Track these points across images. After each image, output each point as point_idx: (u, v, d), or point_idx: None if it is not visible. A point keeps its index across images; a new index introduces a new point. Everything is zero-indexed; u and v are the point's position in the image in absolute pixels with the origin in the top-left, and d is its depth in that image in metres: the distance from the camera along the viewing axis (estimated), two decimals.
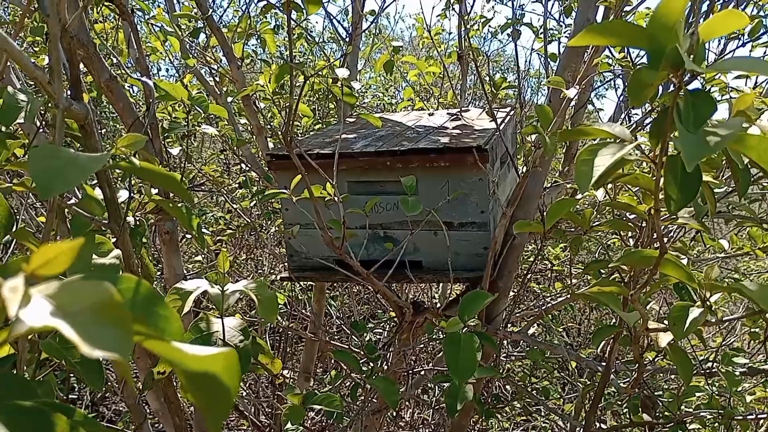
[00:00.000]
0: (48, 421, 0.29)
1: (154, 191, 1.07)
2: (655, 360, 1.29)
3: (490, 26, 2.49)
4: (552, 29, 2.40)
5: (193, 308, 1.13)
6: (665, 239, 1.43)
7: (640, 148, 0.58)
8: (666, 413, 1.19)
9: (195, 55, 1.82)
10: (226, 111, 1.28)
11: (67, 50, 0.65)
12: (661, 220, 0.63)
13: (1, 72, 0.85)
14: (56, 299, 0.23)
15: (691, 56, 0.53)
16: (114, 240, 0.72)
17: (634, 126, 1.71)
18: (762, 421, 1.29)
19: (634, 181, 0.64)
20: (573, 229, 1.51)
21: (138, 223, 1.03)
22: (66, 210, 0.87)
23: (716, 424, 1.18)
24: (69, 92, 0.66)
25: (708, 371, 1.19)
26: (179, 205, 1.06)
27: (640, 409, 1.26)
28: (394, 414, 3.41)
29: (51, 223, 0.48)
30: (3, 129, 0.94)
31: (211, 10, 1.61)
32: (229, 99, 1.54)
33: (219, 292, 0.86)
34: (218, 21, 1.98)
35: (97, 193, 0.75)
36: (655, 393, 1.65)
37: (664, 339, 0.81)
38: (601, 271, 1.13)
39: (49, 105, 0.96)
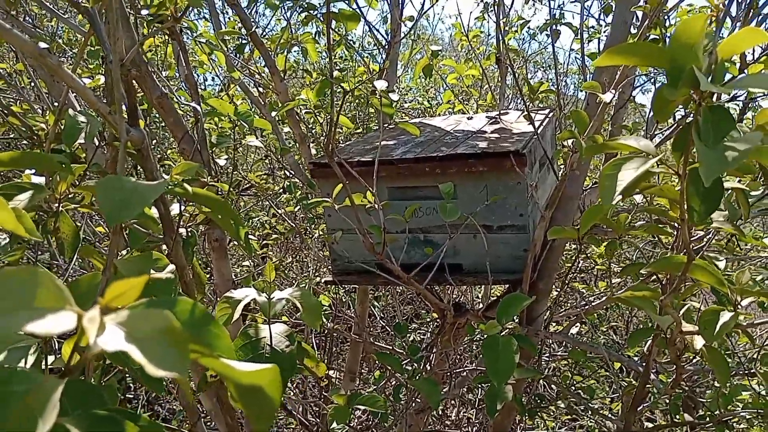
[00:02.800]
0: (120, 428, 0.34)
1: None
2: (695, 360, 1.28)
3: (529, 27, 2.49)
4: (592, 27, 2.38)
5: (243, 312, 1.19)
6: (703, 241, 1.42)
7: (663, 162, 0.60)
8: (708, 413, 1.18)
9: (239, 68, 1.89)
10: (269, 124, 1.33)
11: (124, 80, 0.71)
12: (696, 225, 0.65)
13: (63, 101, 0.92)
14: (126, 326, 0.28)
15: (711, 75, 0.55)
16: (168, 253, 0.78)
17: (668, 134, 1.69)
18: None
19: (660, 192, 0.66)
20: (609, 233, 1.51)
21: (189, 234, 1.09)
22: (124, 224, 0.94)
23: (759, 424, 1.17)
24: (126, 120, 0.72)
25: (747, 372, 1.18)
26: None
27: (681, 409, 1.26)
28: (440, 413, 3.44)
29: (115, 245, 0.54)
30: (67, 150, 1.02)
31: (255, 26, 1.68)
32: (273, 113, 1.60)
33: (266, 300, 0.91)
34: (262, 33, 2.04)
35: (153, 210, 0.82)
36: (703, 391, 1.63)
37: (699, 341, 0.82)
38: (642, 272, 1.14)
39: (106, 125, 1.03)
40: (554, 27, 2.24)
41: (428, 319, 3.00)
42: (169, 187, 0.57)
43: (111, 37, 0.71)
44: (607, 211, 0.89)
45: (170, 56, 2.31)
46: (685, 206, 0.58)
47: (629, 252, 3.40)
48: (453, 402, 3.38)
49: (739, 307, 0.74)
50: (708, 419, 1.19)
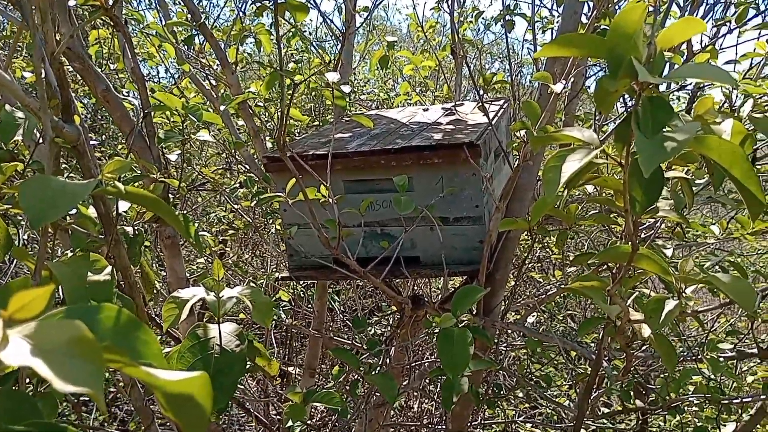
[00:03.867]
0: None
1: None
2: (645, 347, 1.31)
3: (483, 18, 2.50)
4: (545, 18, 2.40)
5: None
6: (653, 230, 1.45)
7: (607, 153, 0.60)
8: (657, 399, 1.21)
9: (190, 60, 1.84)
10: (219, 118, 1.30)
11: (56, 74, 0.68)
12: (638, 215, 0.66)
13: None
14: (33, 339, 0.26)
15: (650, 65, 0.55)
16: (107, 254, 0.75)
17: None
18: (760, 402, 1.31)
19: (604, 183, 0.66)
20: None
21: (136, 232, 1.06)
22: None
23: (708, 408, 1.20)
24: (60, 115, 0.69)
25: (695, 357, 1.21)
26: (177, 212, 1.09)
27: (633, 395, 1.29)
28: (403, 405, 3.45)
29: (44, 248, 0.51)
30: (3, 147, 0.97)
31: (204, 16, 1.64)
32: (222, 107, 1.57)
33: (215, 299, 0.89)
34: (212, 24, 2.00)
35: (91, 210, 0.79)
36: (658, 377, 1.67)
37: (647, 329, 0.83)
38: (593, 262, 1.15)
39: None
40: (508, 17, 2.25)
41: (389, 312, 3.00)
42: (100, 186, 0.55)
43: (43, 27, 0.67)
44: (557, 202, 0.89)
45: (118, 49, 2.24)
46: (628, 196, 0.59)
47: (586, 241, 3.46)
48: (415, 394, 3.40)
49: (683, 294, 0.75)
50: (659, 405, 1.22)
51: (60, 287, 0.64)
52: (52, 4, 0.82)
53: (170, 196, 1.60)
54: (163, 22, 1.95)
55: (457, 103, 2.06)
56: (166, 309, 0.86)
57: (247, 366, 0.91)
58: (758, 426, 1.73)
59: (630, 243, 0.75)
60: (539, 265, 3.38)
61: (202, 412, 0.35)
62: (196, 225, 2.96)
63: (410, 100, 2.71)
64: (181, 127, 1.26)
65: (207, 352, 0.84)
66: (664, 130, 0.53)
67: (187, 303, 0.86)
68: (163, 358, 0.37)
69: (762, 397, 1.11)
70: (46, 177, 0.48)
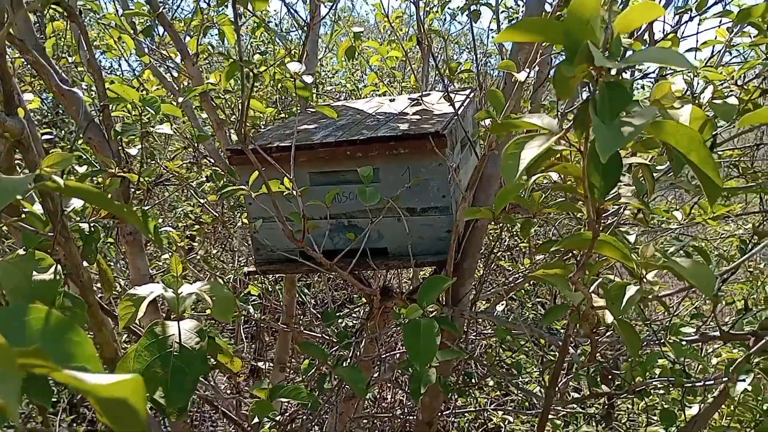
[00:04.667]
0: None
1: (108, 196, 1.06)
2: (610, 333, 1.32)
3: (449, 7, 2.49)
4: (510, 8, 2.40)
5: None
6: (617, 216, 1.46)
7: (566, 139, 0.60)
8: (623, 383, 1.23)
9: (150, 52, 1.79)
10: (179, 111, 1.27)
11: None
12: (597, 202, 0.65)
13: None
14: None
15: (607, 50, 0.54)
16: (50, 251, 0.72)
17: None
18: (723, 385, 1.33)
19: (564, 170, 0.65)
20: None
21: (92, 229, 1.03)
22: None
23: (675, 391, 1.22)
24: (3, 108, 0.66)
25: (659, 341, 1.22)
26: (135, 208, 1.06)
27: (599, 380, 1.30)
28: (377, 396, 3.45)
29: None
30: None
31: (162, 7, 1.59)
32: (180, 99, 1.53)
33: (173, 295, 0.87)
34: (173, 14, 1.95)
35: (37, 206, 0.75)
36: (627, 360, 1.69)
37: (610, 315, 0.83)
38: (557, 249, 1.15)
39: None
40: (474, 7, 2.24)
41: (360, 304, 2.99)
42: (39, 181, 0.52)
43: None
44: (521, 190, 0.89)
45: (74, 42, 2.17)
46: (587, 183, 0.58)
47: (551, 230, 3.49)
48: (389, 384, 3.40)
49: (645, 280, 0.75)
50: (624, 389, 1.23)
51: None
52: None
53: (132, 191, 1.56)
54: (121, 13, 1.90)
55: (424, 93, 2.05)
56: (122, 307, 0.83)
57: (210, 363, 0.89)
58: (723, 407, 1.76)
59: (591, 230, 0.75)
60: (509, 253, 3.41)
61: (137, 416, 0.33)
62: (159, 220, 2.90)
63: (378, 90, 2.69)
64: (139, 120, 1.22)
65: (165, 351, 0.82)
66: (622, 115, 0.52)
67: (144, 300, 0.83)
68: (98, 360, 0.35)
69: (724, 379, 1.13)
70: None
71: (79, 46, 1.45)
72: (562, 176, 1.05)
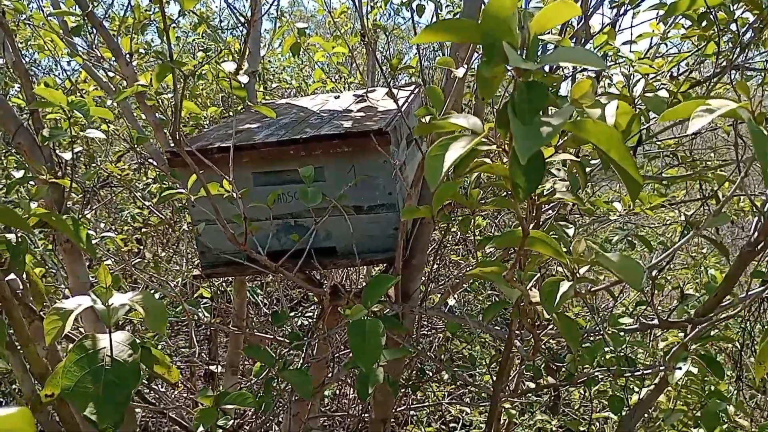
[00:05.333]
0: None
1: (34, 205, 1.02)
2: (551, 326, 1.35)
3: (393, 3, 2.48)
4: (453, 3, 2.41)
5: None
6: (557, 209, 1.48)
7: (490, 139, 0.60)
8: (568, 374, 1.25)
9: (81, 53, 1.73)
10: (109, 113, 1.23)
11: None
12: (520, 201, 0.65)
13: None
14: None
15: (524, 50, 0.54)
16: None
17: None
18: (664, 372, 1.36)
19: (491, 170, 0.66)
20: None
21: (19, 240, 0.99)
22: None
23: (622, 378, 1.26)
24: None
25: (600, 334, 1.25)
26: (65, 216, 1.02)
27: (544, 372, 1.33)
28: (337, 393, 3.44)
29: None
30: None
31: (91, 6, 1.53)
32: (109, 102, 1.48)
33: (104, 307, 0.84)
34: (106, 12, 1.88)
35: None
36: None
37: None
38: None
39: None
40: (417, 2, 2.25)
41: (314, 303, 2.97)
42: None
43: None
44: (456, 189, 0.89)
45: None
46: (512, 183, 0.58)
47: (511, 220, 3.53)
48: (349, 381, 3.40)
49: (578, 275, 0.76)
50: (568, 380, 1.26)
51: None
52: None
53: (70, 196, 1.50)
54: (52, 8, 1.82)
55: (369, 89, 2.04)
56: (48, 322, 0.80)
57: (144, 375, 0.86)
58: (671, 389, 1.81)
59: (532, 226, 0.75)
60: (463, 245, 3.44)
61: None
62: (102, 225, 2.82)
63: (325, 86, 2.67)
64: (69, 125, 1.18)
65: (96, 365, 0.79)
66: (540, 116, 0.52)
67: (71, 314, 0.80)
68: None
69: (661, 367, 1.16)
70: None
71: (3, 48, 1.39)
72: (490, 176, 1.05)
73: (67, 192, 1.41)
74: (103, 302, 0.82)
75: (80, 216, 1.58)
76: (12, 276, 0.96)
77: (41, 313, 1.10)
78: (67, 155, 1.49)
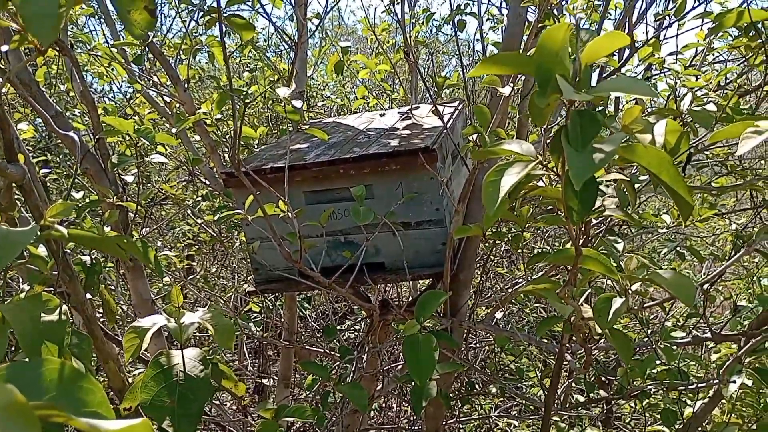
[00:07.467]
0: None
1: (107, 228, 1.09)
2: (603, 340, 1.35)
3: (434, 19, 2.52)
4: (495, 17, 2.44)
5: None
6: (608, 223, 1.49)
7: (543, 165, 0.62)
8: (619, 388, 1.25)
9: (141, 79, 1.82)
10: (173, 139, 1.30)
11: None
12: (575, 223, 0.68)
13: None
14: None
15: (576, 80, 0.57)
16: (55, 290, 0.75)
17: None
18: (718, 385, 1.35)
19: (544, 193, 0.68)
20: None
21: (94, 261, 1.05)
22: None
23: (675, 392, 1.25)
24: (5, 156, 0.68)
25: (651, 348, 1.25)
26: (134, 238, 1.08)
27: (596, 386, 1.33)
28: (383, 405, 3.47)
29: None
30: None
31: (151, 36, 1.62)
32: (174, 129, 1.56)
33: (176, 326, 0.89)
34: (164, 36, 1.98)
35: (41, 248, 0.78)
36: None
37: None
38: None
39: None
40: (458, 18, 2.28)
41: (361, 317, 3.01)
42: (45, 230, 0.55)
43: None
44: (506, 207, 0.91)
45: (67, 68, 2.20)
46: (566, 206, 0.61)
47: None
48: (396, 392, 3.42)
49: (629, 291, 0.78)
50: (621, 394, 1.26)
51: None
52: None
53: (131, 215, 1.58)
54: (111, 38, 1.93)
55: (413, 106, 2.08)
56: (127, 339, 0.86)
57: (214, 388, 0.91)
58: (725, 402, 1.78)
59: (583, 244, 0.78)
60: (507, 257, 3.43)
61: None
62: (159, 243, 2.92)
63: (368, 103, 2.72)
64: (135, 151, 1.25)
65: (171, 380, 0.84)
66: (592, 142, 0.55)
67: (147, 332, 0.86)
68: (108, 405, 0.38)
69: (714, 381, 1.15)
70: None
71: (71, 78, 1.48)
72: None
73: (132, 213, 1.49)
74: (175, 321, 0.87)
75: (140, 236, 1.66)
76: (88, 296, 1.02)
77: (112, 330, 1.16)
78: (129, 178, 1.57)
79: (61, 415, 0.33)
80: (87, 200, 1.41)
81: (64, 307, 0.63)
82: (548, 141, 0.62)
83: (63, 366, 0.37)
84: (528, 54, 0.57)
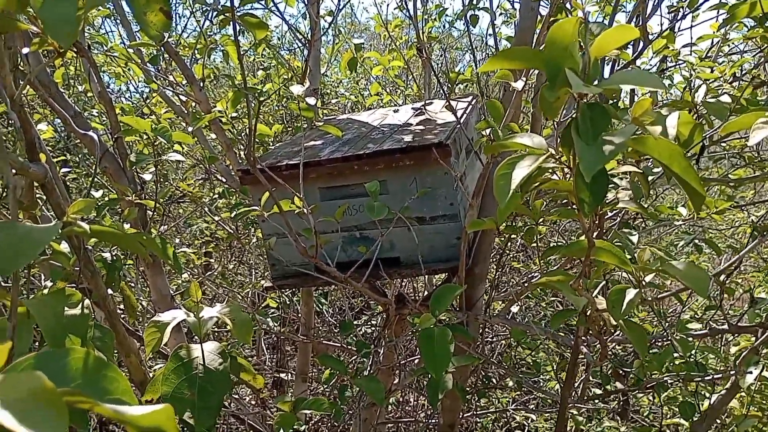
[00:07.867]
0: None
1: (127, 225, 1.11)
2: (618, 332, 1.35)
3: (447, 14, 2.52)
4: (507, 11, 2.43)
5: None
6: (623, 216, 1.48)
7: (555, 157, 0.63)
8: (636, 380, 1.25)
9: (157, 79, 1.85)
10: (189, 137, 1.32)
11: (19, 116, 0.69)
12: (586, 215, 0.68)
13: None
14: None
15: (585, 74, 0.58)
16: (78, 286, 0.77)
17: None
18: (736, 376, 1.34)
19: (555, 185, 0.69)
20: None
21: (114, 258, 1.08)
22: None
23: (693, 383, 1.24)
24: (27, 155, 0.70)
25: (667, 340, 1.25)
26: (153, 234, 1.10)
27: (612, 378, 1.33)
28: (400, 399, 3.48)
29: (17, 290, 0.53)
30: None
31: (167, 36, 1.64)
32: (190, 128, 1.58)
33: (195, 320, 0.91)
34: (179, 36, 2.00)
35: (64, 245, 0.80)
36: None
37: None
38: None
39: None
40: (471, 13, 2.28)
41: (377, 312, 3.03)
42: (67, 227, 0.56)
43: (1, 72, 0.69)
44: (520, 201, 0.92)
45: (84, 69, 2.24)
46: (577, 198, 0.61)
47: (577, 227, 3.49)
48: (414, 386, 3.43)
49: (643, 283, 0.78)
50: (638, 385, 1.26)
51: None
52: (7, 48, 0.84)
53: (149, 213, 1.61)
54: (128, 39, 1.95)
55: (427, 102, 2.08)
56: (148, 333, 0.88)
57: (233, 381, 0.93)
58: (744, 395, 1.77)
59: (595, 236, 0.78)
60: (523, 251, 3.42)
61: None
62: (177, 240, 2.96)
63: (382, 99, 2.73)
64: (152, 149, 1.27)
65: (191, 373, 0.86)
66: (603, 134, 0.56)
67: (167, 326, 0.87)
68: (132, 393, 0.39)
69: (731, 372, 1.15)
70: (11, 224, 0.49)
71: (89, 79, 1.50)
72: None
73: (150, 211, 1.51)
74: (195, 315, 0.89)
75: (159, 233, 1.69)
76: (109, 291, 1.05)
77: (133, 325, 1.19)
78: (147, 176, 1.60)
79: (87, 402, 0.35)
80: (106, 198, 1.43)
81: (87, 301, 0.65)
82: (560, 134, 0.63)
83: (88, 355, 0.38)
84: (538, 48, 0.58)
